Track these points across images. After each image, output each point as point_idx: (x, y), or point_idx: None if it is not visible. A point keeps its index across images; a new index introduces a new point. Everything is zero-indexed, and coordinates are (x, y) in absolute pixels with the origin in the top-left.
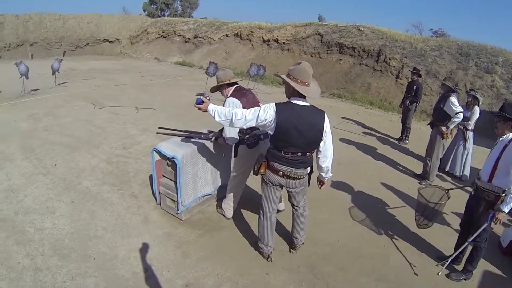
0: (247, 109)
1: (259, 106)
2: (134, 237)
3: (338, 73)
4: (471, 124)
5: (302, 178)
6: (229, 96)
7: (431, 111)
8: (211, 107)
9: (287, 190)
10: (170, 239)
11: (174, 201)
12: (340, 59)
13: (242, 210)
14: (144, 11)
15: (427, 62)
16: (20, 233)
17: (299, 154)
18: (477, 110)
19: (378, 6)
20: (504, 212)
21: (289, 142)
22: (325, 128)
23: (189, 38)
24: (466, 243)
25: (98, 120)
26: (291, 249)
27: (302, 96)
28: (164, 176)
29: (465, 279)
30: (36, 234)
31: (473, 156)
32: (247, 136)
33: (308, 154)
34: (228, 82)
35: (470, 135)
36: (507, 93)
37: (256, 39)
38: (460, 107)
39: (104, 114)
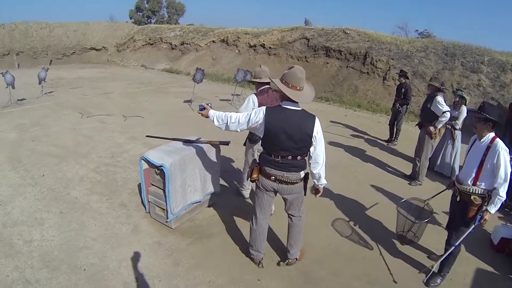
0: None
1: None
2: (124, 247)
3: (325, 76)
4: (459, 123)
5: (296, 183)
6: (254, 93)
7: (419, 112)
8: (212, 113)
9: (283, 198)
10: (161, 247)
11: (164, 209)
12: (327, 63)
13: (233, 216)
14: (131, 18)
15: (414, 63)
16: (8, 245)
17: (289, 157)
18: (464, 109)
19: (364, 8)
20: (491, 213)
21: (278, 145)
22: (314, 133)
23: (175, 45)
24: (452, 248)
25: (85, 129)
26: (281, 262)
27: (293, 101)
28: (153, 185)
29: (441, 281)
30: (24, 246)
31: (461, 155)
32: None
33: (299, 157)
34: (258, 81)
35: (458, 134)
36: (493, 91)
37: (243, 44)
38: (447, 106)
39: (91, 123)
